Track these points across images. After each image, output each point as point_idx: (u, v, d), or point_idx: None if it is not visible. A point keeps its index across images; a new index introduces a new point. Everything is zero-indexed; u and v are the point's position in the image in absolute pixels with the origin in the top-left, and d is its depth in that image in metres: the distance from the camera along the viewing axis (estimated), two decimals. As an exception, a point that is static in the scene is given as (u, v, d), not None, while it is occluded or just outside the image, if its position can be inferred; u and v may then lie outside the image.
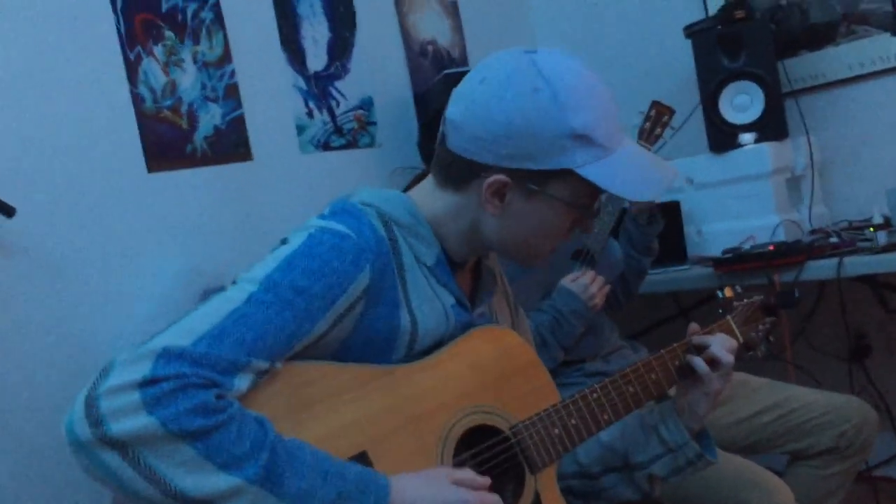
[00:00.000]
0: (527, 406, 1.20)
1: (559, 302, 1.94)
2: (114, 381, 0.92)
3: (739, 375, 2.03)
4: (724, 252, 2.37)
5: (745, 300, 1.48)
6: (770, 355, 1.51)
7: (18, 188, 1.86)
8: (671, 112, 2.11)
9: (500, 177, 1.11)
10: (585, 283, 1.96)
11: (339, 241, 1.08)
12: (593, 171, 1.10)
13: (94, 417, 0.91)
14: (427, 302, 1.16)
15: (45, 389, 1.87)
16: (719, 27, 2.58)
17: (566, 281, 1.97)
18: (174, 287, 2.14)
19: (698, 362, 1.29)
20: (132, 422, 0.91)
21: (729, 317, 1.44)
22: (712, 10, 2.76)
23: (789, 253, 2.17)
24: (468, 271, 1.29)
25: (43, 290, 1.90)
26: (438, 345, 1.18)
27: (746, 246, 2.41)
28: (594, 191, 1.14)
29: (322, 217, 1.14)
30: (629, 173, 1.12)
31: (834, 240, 2.32)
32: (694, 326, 1.37)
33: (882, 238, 2.16)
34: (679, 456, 1.29)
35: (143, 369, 0.93)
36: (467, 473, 1.09)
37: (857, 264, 2.10)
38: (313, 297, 1.04)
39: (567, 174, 1.11)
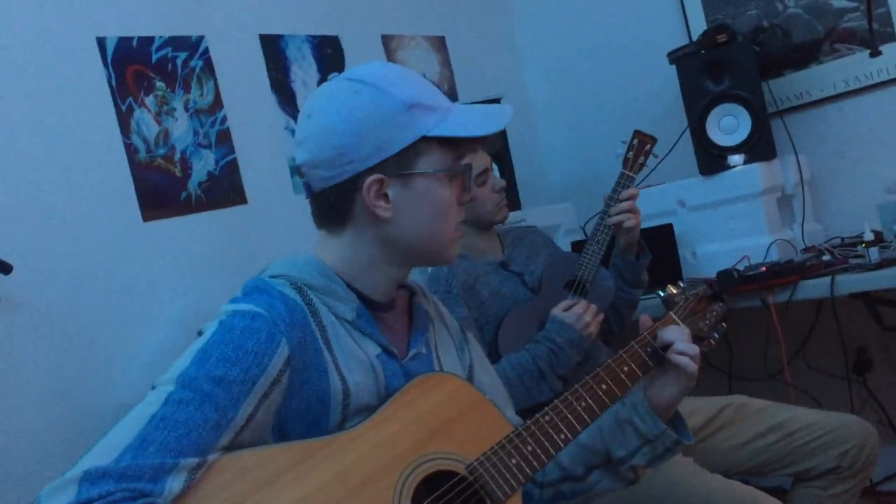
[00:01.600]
0: (480, 444, 1.21)
1: (553, 332, 1.95)
2: None
3: (739, 398, 2.04)
4: (718, 274, 2.38)
5: (688, 293, 1.50)
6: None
7: (15, 244, 1.88)
8: (653, 140, 2.13)
9: (374, 176, 1.17)
10: (579, 313, 1.96)
11: (250, 321, 1.09)
12: (442, 128, 1.18)
13: None
14: (353, 358, 1.17)
15: (45, 447, 1.87)
16: (703, 51, 2.61)
17: (558, 311, 1.98)
18: (174, 334, 2.15)
19: (685, 361, 1.31)
20: None
21: (671, 313, 1.45)
22: (695, 35, 2.79)
23: (782, 273, 2.18)
24: (402, 313, 1.30)
25: (43, 345, 1.92)
26: (377, 399, 1.18)
27: (740, 267, 2.42)
28: (455, 150, 1.21)
29: (234, 301, 1.15)
30: (471, 119, 1.20)
31: (827, 258, 2.33)
32: (645, 318, 1.40)
33: (875, 255, 2.17)
34: (657, 445, 1.31)
35: (67, 497, 0.92)
36: None
37: (851, 282, 2.11)
38: (232, 383, 1.04)
39: (424, 144, 1.18)
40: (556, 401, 1.27)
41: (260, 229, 2.39)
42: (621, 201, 2.07)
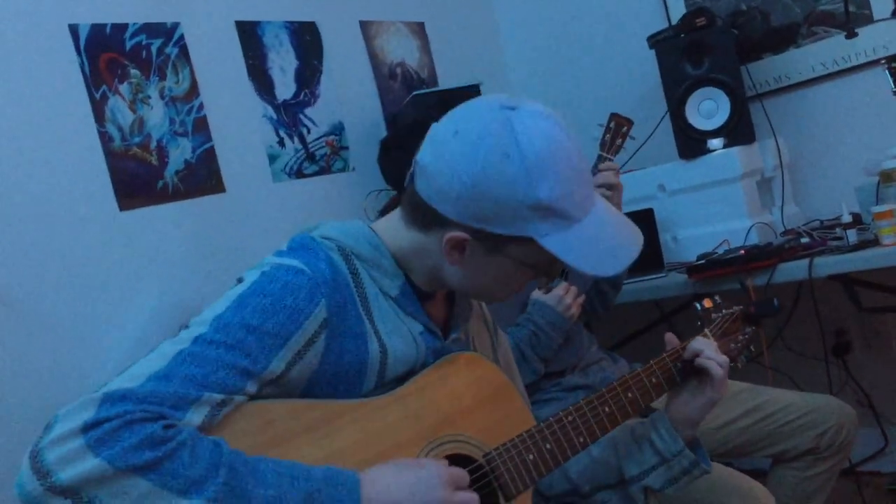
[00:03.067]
0: (500, 433, 1.19)
1: (535, 315, 1.95)
2: (56, 432, 0.92)
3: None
4: (698, 258, 2.39)
5: (724, 311, 1.47)
6: (749, 363, 1.51)
7: (-12, 235, 1.86)
8: (630, 123, 2.14)
9: (461, 234, 1.11)
10: (560, 295, 1.97)
11: (293, 277, 1.07)
12: (555, 241, 1.10)
13: (41, 470, 0.90)
14: (396, 331, 1.16)
15: (27, 437, 1.86)
16: (682, 35, 2.61)
17: (538, 293, 1.98)
18: (152, 323, 2.14)
19: (712, 365, 1.29)
20: (79, 466, 0.90)
21: (707, 330, 1.43)
22: (674, 19, 2.79)
23: (761, 256, 2.19)
24: (442, 300, 1.28)
25: (20, 337, 1.90)
26: (410, 373, 1.17)
27: (720, 250, 2.43)
28: (551, 258, 1.13)
29: (279, 254, 1.14)
30: (592, 246, 1.11)
31: (805, 240, 2.34)
32: (671, 336, 1.38)
33: (852, 236, 2.18)
34: (674, 465, 1.30)
35: (85, 415, 0.92)
36: (456, 471, 1.08)
37: (829, 264, 2.12)
38: (265, 335, 1.03)
39: (529, 241, 1.10)
40: (581, 402, 1.26)
41: (238, 217, 2.38)
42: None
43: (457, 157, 1.08)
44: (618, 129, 2.12)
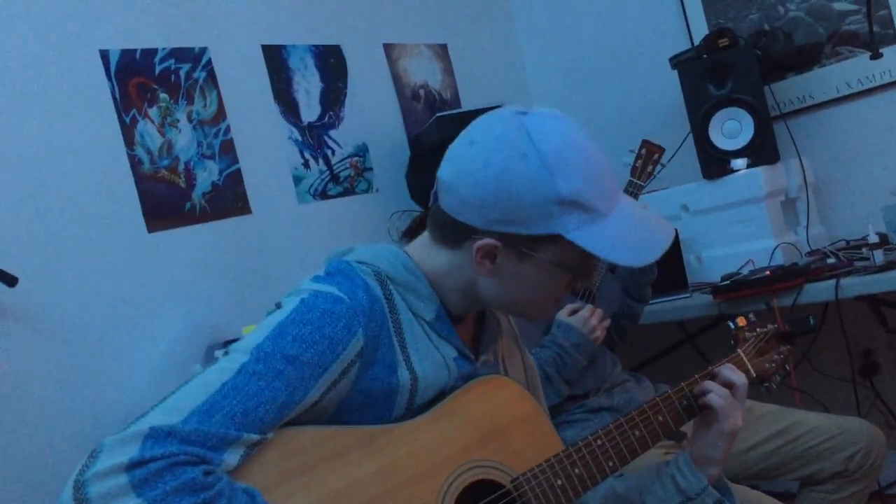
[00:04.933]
0: (528, 458, 1.18)
1: (560, 336, 1.95)
2: (101, 465, 0.92)
3: (745, 402, 2.02)
4: (723, 278, 2.38)
5: (758, 330, 1.44)
6: (783, 383, 1.48)
7: (20, 256, 1.90)
8: (661, 150, 2.15)
9: (490, 241, 1.11)
10: (585, 317, 1.97)
11: (332, 305, 1.07)
12: (583, 235, 1.09)
13: (83, 501, 0.90)
14: (428, 356, 1.15)
15: (50, 455, 1.88)
16: (705, 56, 2.61)
17: (563, 315, 1.98)
18: (178, 344, 2.16)
19: (713, 394, 1.26)
20: None
21: (740, 350, 1.40)
22: (697, 40, 2.79)
23: (787, 277, 2.18)
24: (471, 320, 1.28)
25: (48, 356, 1.93)
26: (440, 396, 1.17)
27: (745, 271, 2.42)
28: (586, 254, 1.12)
29: (316, 279, 1.13)
30: (622, 238, 1.10)
31: (831, 260, 2.32)
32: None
33: (879, 257, 2.16)
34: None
35: (130, 451, 0.93)
36: None
37: (856, 285, 2.11)
38: (304, 365, 1.04)
39: (558, 239, 1.10)
40: (609, 425, 1.24)
41: (264, 239, 2.40)
42: None
43: (476, 166, 1.10)
44: (649, 156, 2.14)
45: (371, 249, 1.20)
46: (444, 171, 1.14)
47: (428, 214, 1.21)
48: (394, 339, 1.13)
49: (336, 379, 1.07)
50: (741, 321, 1.45)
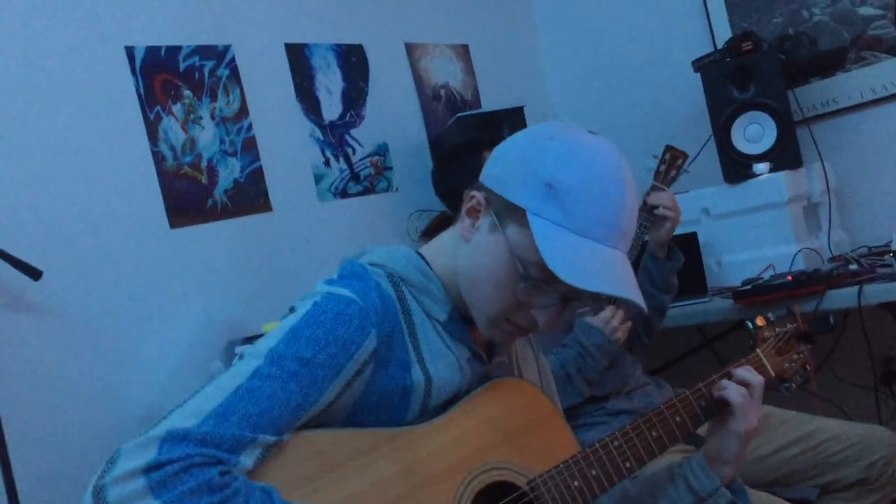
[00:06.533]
0: (545, 459, 1.18)
1: (582, 336, 1.95)
2: (120, 469, 0.93)
3: (765, 408, 2.01)
4: (744, 283, 2.37)
5: (778, 330, 1.43)
6: (803, 385, 1.46)
7: (44, 250, 1.91)
8: (685, 156, 2.15)
9: (479, 193, 1.14)
10: (606, 317, 1.97)
11: (344, 307, 1.08)
12: (541, 224, 1.06)
13: None
14: (441, 358, 1.16)
15: (75, 447, 1.90)
16: (728, 59, 2.60)
17: (585, 315, 1.98)
18: (199, 339, 2.17)
19: (730, 389, 1.25)
20: None
21: (759, 350, 1.39)
22: (720, 43, 2.78)
23: (809, 283, 2.16)
24: None
25: (71, 349, 1.95)
26: (455, 398, 1.17)
27: (766, 276, 2.40)
28: (537, 257, 1.05)
29: (329, 282, 1.14)
30: (573, 254, 1.04)
31: (853, 267, 2.31)
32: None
33: (902, 264, 2.14)
34: None
35: (147, 455, 0.94)
36: None
37: (878, 292, 2.09)
38: (319, 367, 1.04)
39: (522, 217, 1.08)
40: (626, 426, 1.23)
41: (285, 236, 2.41)
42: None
43: (514, 142, 1.15)
44: (672, 162, 2.14)
45: (384, 251, 1.20)
46: (487, 169, 1.18)
47: (447, 192, 1.22)
48: (407, 339, 1.14)
49: (350, 380, 1.08)
50: (760, 321, 1.44)
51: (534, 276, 1.09)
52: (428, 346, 1.15)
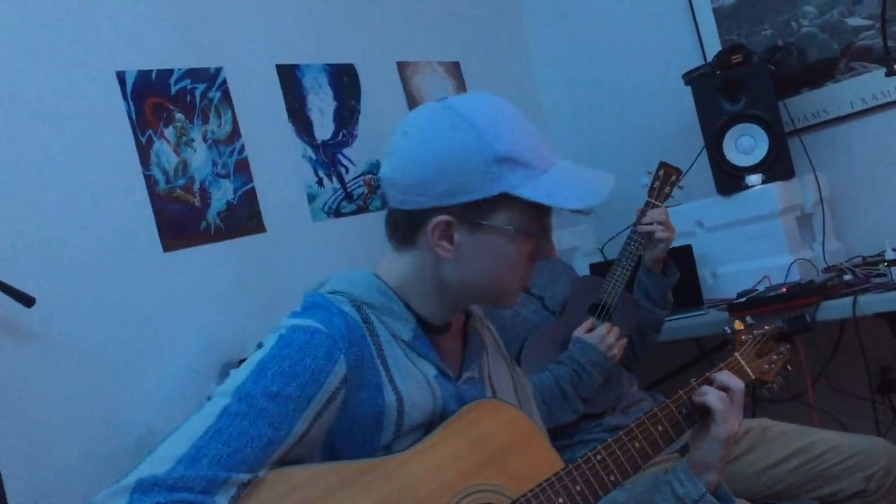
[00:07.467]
0: (529, 478, 1.17)
1: (577, 353, 1.95)
2: None
3: (763, 422, 2.01)
4: (739, 295, 2.37)
5: (755, 332, 1.44)
6: (786, 385, 1.47)
7: (37, 277, 1.91)
8: (678, 172, 2.17)
9: (442, 217, 1.13)
10: (602, 334, 1.97)
11: (309, 337, 1.08)
12: (528, 189, 1.12)
13: None
14: (409, 377, 1.16)
15: (69, 476, 1.88)
16: (718, 72, 2.61)
17: (580, 332, 1.98)
18: (194, 362, 2.17)
19: (710, 394, 1.26)
20: None
21: (737, 354, 1.40)
22: (710, 56, 2.79)
23: (803, 294, 2.16)
24: (457, 335, 1.28)
25: (66, 376, 1.94)
26: (430, 419, 1.17)
27: (761, 287, 2.41)
28: (537, 212, 1.15)
29: (293, 315, 1.15)
30: (564, 187, 1.13)
31: (848, 277, 2.31)
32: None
33: (896, 273, 2.14)
34: None
35: None
36: None
37: (873, 302, 2.09)
38: (287, 400, 1.04)
39: (505, 200, 1.13)
40: (609, 440, 1.23)
41: (279, 257, 2.41)
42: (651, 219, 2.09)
43: (412, 149, 1.14)
44: (666, 178, 2.15)
45: (344, 277, 1.21)
46: (385, 168, 1.19)
47: (384, 224, 1.23)
48: (377, 360, 1.14)
49: (321, 409, 1.08)
50: (738, 325, 1.45)
51: (539, 232, 1.17)
52: (397, 367, 1.15)
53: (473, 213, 1.13)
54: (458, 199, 1.12)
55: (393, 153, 1.17)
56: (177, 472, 0.97)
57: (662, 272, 2.15)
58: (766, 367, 1.42)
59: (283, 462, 1.06)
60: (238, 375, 1.07)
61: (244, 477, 1.00)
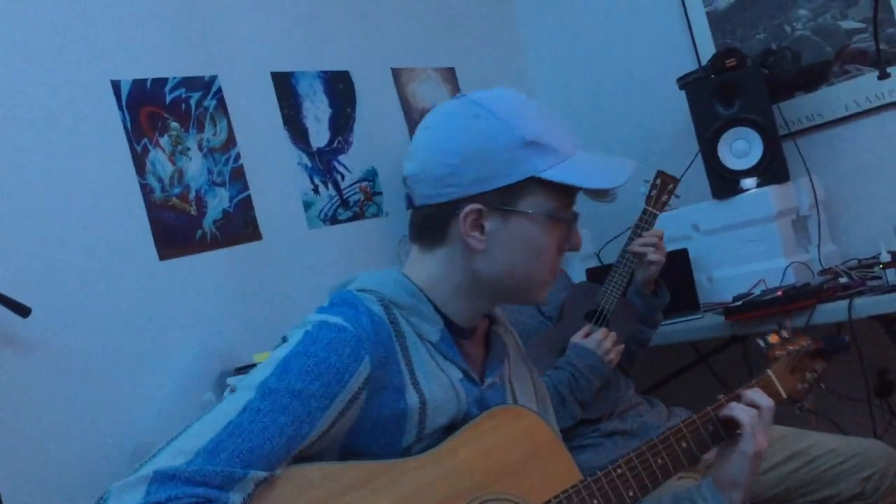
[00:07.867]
0: (546, 489, 1.15)
1: (574, 358, 1.95)
2: None
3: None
4: (735, 299, 2.37)
5: (790, 348, 1.39)
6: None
7: (33, 287, 1.90)
8: (676, 181, 2.18)
9: (473, 206, 1.14)
10: (599, 339, 1.97)
11: (336, 335, 1.08)
12: (555, 172, 1.14)
13: None
14: (434, 379, 1.15)
15: (64, 484, 1.88)
16: (712, 76, 2.61)
17: (577, 338, 1.99)
18: (190, 371, 2.16)
19: (739, 409, 1.24)
20: None
21: (769, 371, 1.35)
22: (704, 60, 2.80)
23: (799, 297, 2.17)
24: (480, 340, 1.27)
25: (62, 386, 1.93)
26: (453, 422, 1.16)
27: (757, 290, 2.41)
28: (565, 195, 1.17)
29: (320, 310, 1.14)
30: (590, 169, 1.16)
31: (844, 280, 2.31)
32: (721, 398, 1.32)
33: (892, 276, 2.14)
34: None
35: (135, 496, 0.93)
36: None
37: (869, 305, 2.09)
38: (311, 398, 1.04)
39: (533, 185, 1.14)
40: (631, 454, 1.21)
41: (275, 264, 2.41)
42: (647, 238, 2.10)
43: (438, 141, 1.15)
44: (664, 187, 2.16)
45: (373, 276, 1.21)
46: (409, 167, 1.19)
47: (408, 226, 1.22)
48: (401, 362, 1.13)
49: (344, 408, 1.07)
50: (773, 338, 1.40)
51: (568, 217, 1.18)
52: (422, 368, 1.14)
53: (503, 200, 1.14)
54: (487, 185, 1.13)
55: (416, 150, 1.18)
56: (195, 465, 0.96)
57: (654, 293, 2.15)
58: (799, 386, 1.38)
59: (300, 457, 1.05)
60: (263, 369, 1.06)
61: (261, 474, 0.99)
